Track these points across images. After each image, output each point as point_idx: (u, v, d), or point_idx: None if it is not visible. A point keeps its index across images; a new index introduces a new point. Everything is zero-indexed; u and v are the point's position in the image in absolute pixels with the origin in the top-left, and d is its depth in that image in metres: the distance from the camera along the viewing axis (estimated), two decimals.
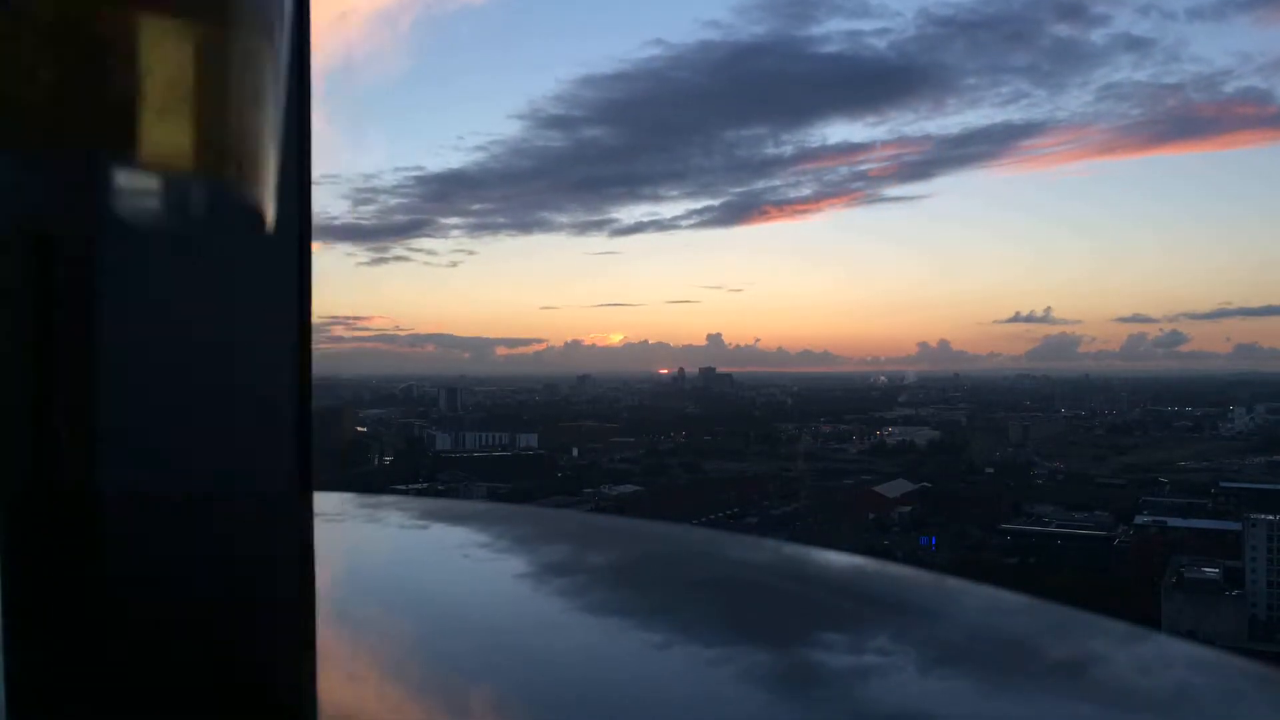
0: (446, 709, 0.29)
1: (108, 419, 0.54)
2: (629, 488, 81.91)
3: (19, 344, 0.56)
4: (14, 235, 0.54)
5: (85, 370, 0.54)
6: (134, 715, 0.27)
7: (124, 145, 0.40)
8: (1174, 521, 70.03)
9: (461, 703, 0.29)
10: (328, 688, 0.29)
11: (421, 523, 0.47)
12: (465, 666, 0.30)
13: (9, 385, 0.56)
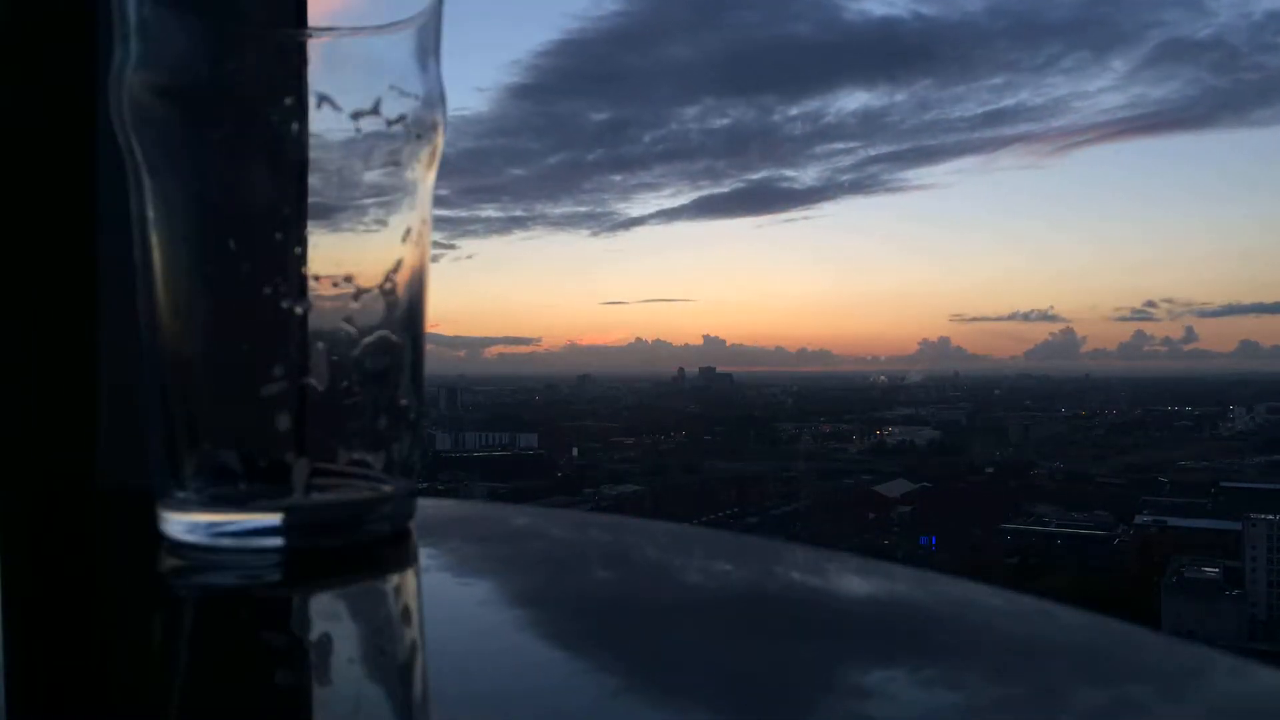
0: None
1: (109, 417, 0.57)
2: (629, 487, 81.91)
3: (20, 341, 0.59)
4: (15, 232, 0.58)
5: (86, 367, 0.55)
6: (134, 713, 0.27)
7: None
8: (1174, 521, 70.00)
9: None
10: None
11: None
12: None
13: (10, 381, 0.60)
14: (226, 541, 0.42)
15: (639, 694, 0.28)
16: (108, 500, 0.55)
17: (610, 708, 0.27)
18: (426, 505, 0.46)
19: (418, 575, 0.44)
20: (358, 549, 0.43)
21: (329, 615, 0.36)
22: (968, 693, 0.30)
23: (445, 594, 0.40)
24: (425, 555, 0.44)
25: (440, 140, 0.46)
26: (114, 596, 0.39)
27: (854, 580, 0.41)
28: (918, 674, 0.30)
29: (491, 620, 0.36)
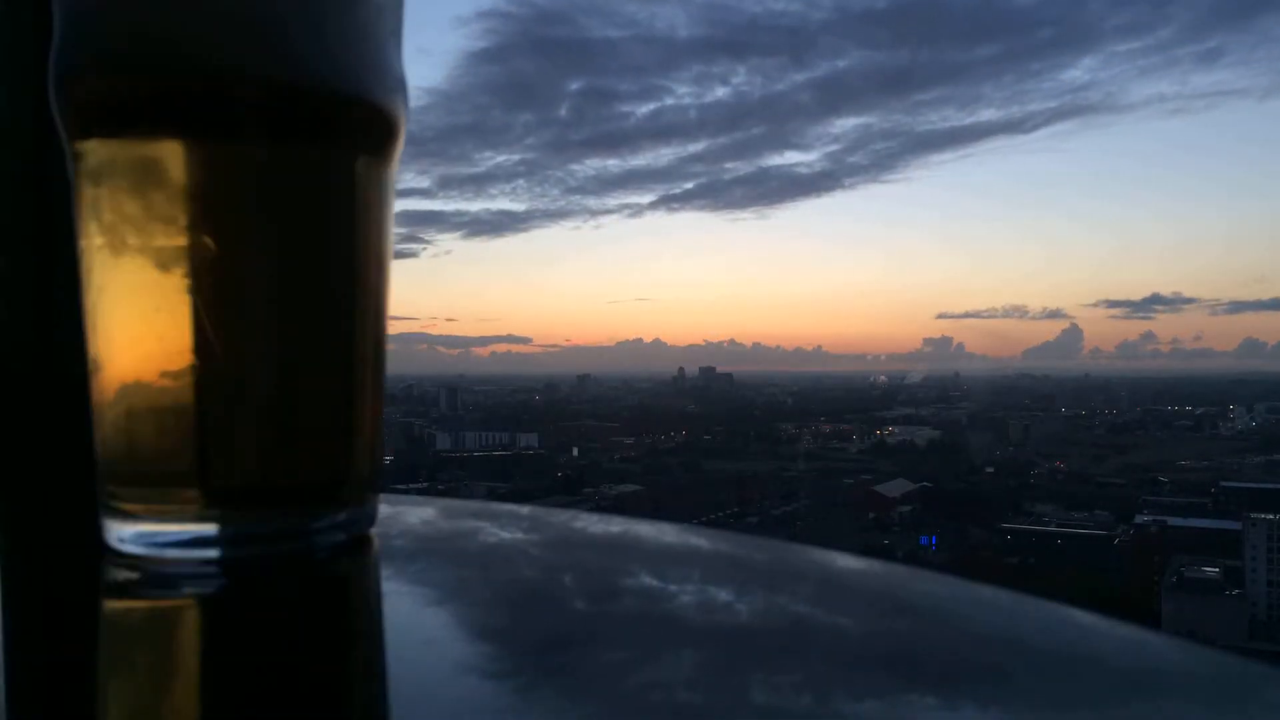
0: None
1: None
2: (629, 487, 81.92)
3: (20, 337, 0.61)
4: (16, 229, 0.60)
5: (82, 373, 0.51)
6: (132, 712, 0.27)
7: None
8: (1174, 521, 70.05)
9: None
10: None
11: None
12: None
13: (10, 379, 0.62)
14: (170, 553, 0.40)
15: None
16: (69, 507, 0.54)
17: None
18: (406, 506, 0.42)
19: (371, 586, 0.41)
20: (308, 559, 0.41)
21: (266, 625, 0.35)
22: None
23: (394, 606, 0.37)
24: (383, 565, 0.42)
25: (401, 131, 0.45)
26: (72, 602, 0.39)
27: (873, 593, 0.38)
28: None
29: (448, 635, 0.33)
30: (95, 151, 0.40)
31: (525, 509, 0.48)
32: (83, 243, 0.41)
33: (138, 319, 0.40)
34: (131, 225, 0.39)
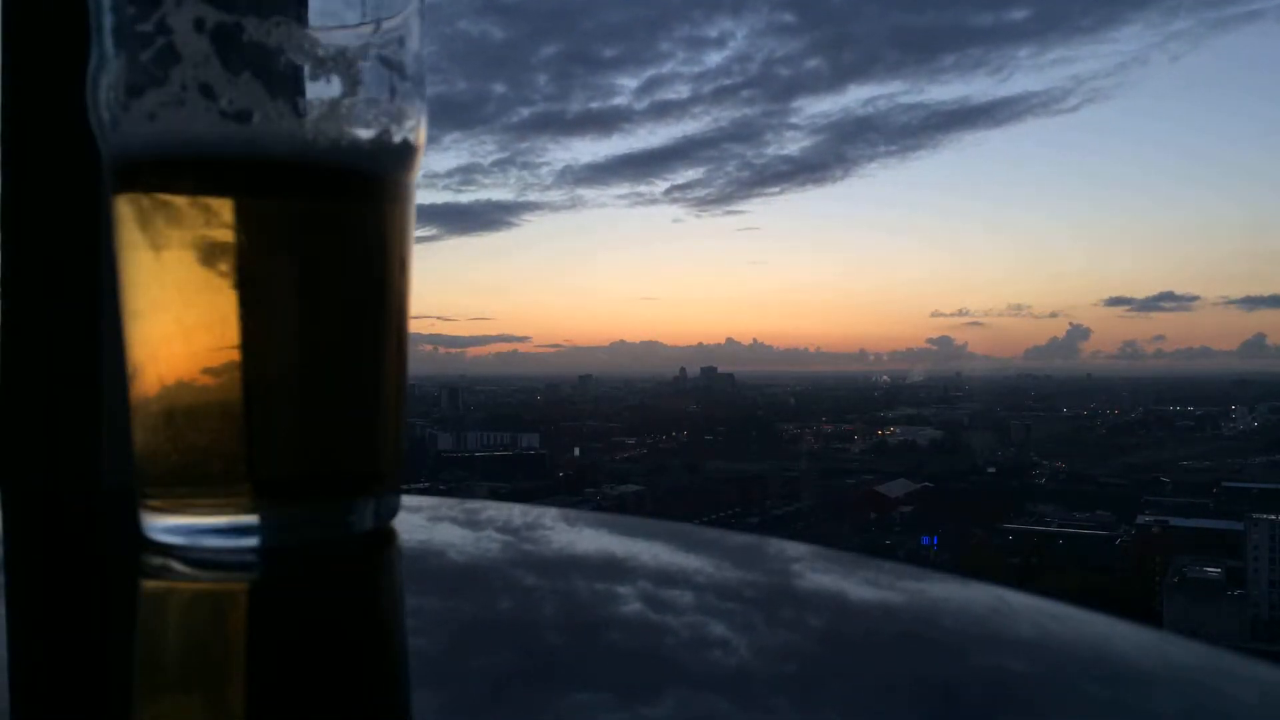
0: None
1: (112, 423, 0.61)
2: (630, 487, 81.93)
3: (30, 352, 0.63)
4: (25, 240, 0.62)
5: (90, 376, 0.59)
6: (133, 714, 0.27)
7: None
8: (1176, 521, 70.01)
9: None
10: None
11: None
12: None
13: (21, 390, 0.64)
14: (208, 541, 0.42)
15: None
16: (111, 500, 0.58)
17: None
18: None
19: (398, 575, 0.43)
20: (338, 548, 0.43)
21: (308, 613, 0.36)
22: None
23: (424, 596, 0.38)
24: (406, 557, 0.44)
25: (422, 133, 0.47)
26: (115, 591, 0.40)
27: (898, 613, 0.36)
28: None
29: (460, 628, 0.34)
30: (139, 201, 0.42)
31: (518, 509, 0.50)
32: (123, 250, 0.43)
33: (180, 327, 0.42)
34: (171, 244, 0.41)
